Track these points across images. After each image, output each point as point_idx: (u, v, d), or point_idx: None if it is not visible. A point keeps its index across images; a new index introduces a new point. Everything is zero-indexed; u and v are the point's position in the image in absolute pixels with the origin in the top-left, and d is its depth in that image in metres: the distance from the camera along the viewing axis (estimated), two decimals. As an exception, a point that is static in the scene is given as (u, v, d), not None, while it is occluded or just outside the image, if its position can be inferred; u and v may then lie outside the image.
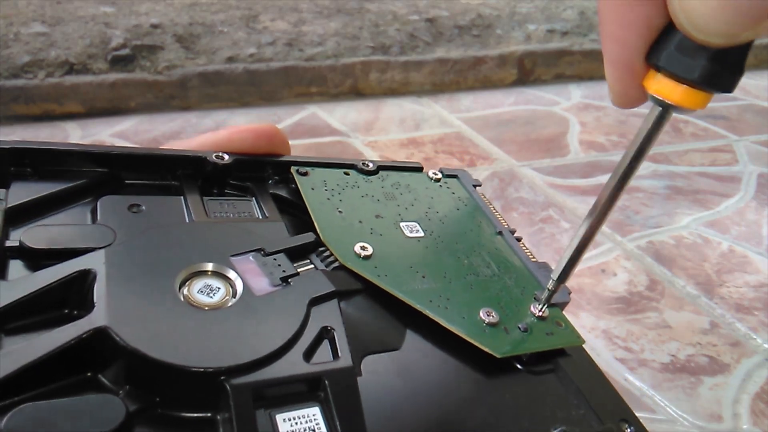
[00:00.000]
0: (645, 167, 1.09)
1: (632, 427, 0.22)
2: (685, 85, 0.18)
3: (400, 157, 1.07)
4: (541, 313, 0.24)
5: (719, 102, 1.48)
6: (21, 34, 1.16)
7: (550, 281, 0.24)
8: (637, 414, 0.22)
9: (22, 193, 0.22)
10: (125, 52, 1.17)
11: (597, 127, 1.27)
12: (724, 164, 1.13)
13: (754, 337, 0.68)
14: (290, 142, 0.30)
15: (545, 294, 0.24)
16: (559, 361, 0.24)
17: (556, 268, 0.23)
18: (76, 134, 1.04)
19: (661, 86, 0.18)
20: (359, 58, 1.32)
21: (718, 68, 0.17)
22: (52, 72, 1.10)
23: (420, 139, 1.14)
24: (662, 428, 0.55)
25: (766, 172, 1.11)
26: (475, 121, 1.24)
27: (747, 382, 0.62)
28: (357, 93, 1.33)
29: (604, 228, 0.89)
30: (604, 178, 1.03)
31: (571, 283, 0.26)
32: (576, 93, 1.46)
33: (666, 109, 0.19)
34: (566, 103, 1.39)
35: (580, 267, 0.26)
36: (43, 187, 0.23)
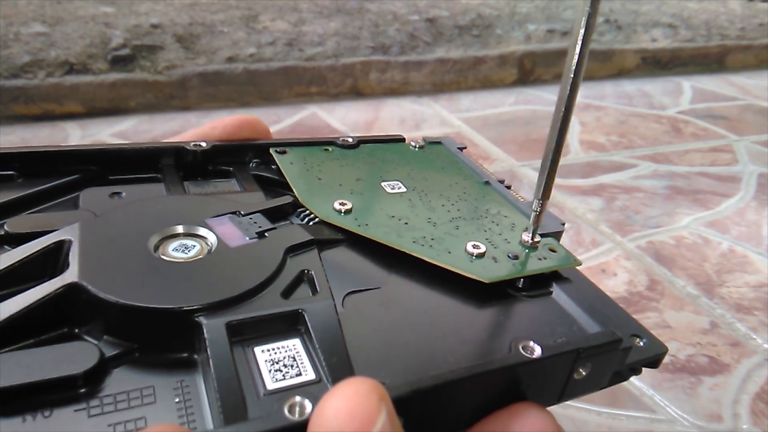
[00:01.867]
0: (645, 167, 1.09)
1: (645, 340, 0.21)
2: None
3: (400, 157, 1.06)
4: (531, 239, 0.23)
5: (719, 102, 1.48)
6: (21, 34, 1.16)
7: (534, 201, 0.23)
8: (636, 414, 0.22)
9: (7, 193, 0.23)
10: (125, 52, 1.17)
11: (597, 127, 1.27)
12: (724, 164, 1.13)
13: (754, 337, 0.68)
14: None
15: (533, 217, 0.23)
16: (556, 285, 0.23)
17: (536, 188, 0.23)
18: (76, 134, 1.04)
19: None
20: (359, 58, 1.32)
21: None
22: (52, 72, 1.10)
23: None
24: (662, 428, 0.55)
25: (766, 172, 1.11)
26: (475, 121, 1.24)
27: (747, 382, 0.62)
28: (357, 93, 1.33)
29: (604, 228, 0.89)
30: (604, 178, 1.03)
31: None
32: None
33: None
34: (566, 103, 1.39)
35: (580, 267, 0.26)
36: (28, 187, 0.24)
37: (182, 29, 1.28)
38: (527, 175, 1.01)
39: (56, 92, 1.08)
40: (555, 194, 0.96)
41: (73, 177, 0.25)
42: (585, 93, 1.46)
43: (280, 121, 1.16)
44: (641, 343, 0.21)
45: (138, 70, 1.16)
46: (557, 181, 0.99)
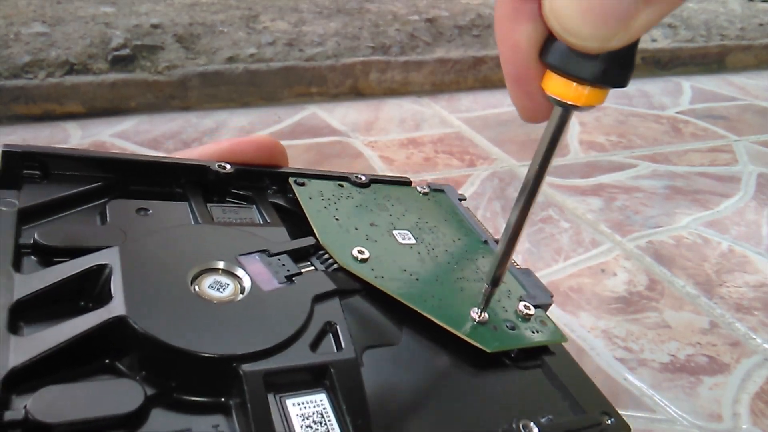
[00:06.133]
0: (645, 167, 1.09)
1: (613, 419, 0.23)
2: (578, 84, 0.18)
3: (401, 156, 1.07)
4: (478, 317, 0.25)
5: (719, 102, 1.48)
6: (21, 34, 1.16)
7: (485, 287, 0.25)
8: (636, 414, 0.23)
9: (33, 195, 0.23)
10: (125, 52, 1.17)
11: (597, 127, 1.27)
12: (724, 164, 1.13)
13: (754, 337, 0.68)
14: (290, 142, 0.31)
15: (482, 298, 0.25)
16: (545, 358, 0.25)
17: (487, 274, 0.25)
18: (76, 134, 1.05)
19: (557, 86, 0.18)
20: (359, 58, 1.32)
21: (608, 66, 0.17)
22: (53, 72, 1.10)
23: (420, 139, 1.14)
24: (662, 428, 0.55)
25: (765, 172, 1.11)
26: (475, 121, 1.24)
27: (747, 382, 0.62)
28: (357, 93, 1.33)
29: (604, 228, 0.89)
30: (604, 178, 1.03)
31: (570, 283, 0.26)
32: (576, 93, 1.46)
33: (565, 108, 0.19)
34: (566, 103, 1.39)
35: (579, 267, 0.26)
36: (52, 190, 0.24)
37: (182, 29, 1.28)
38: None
39: (56, 92, 1.08)
40: (555, 194, 0.96)
41: (95, 185, 0.25)
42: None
43: (280, 121, 1.16)
44: (609, 422, 0.23)
45: (138, 70, 1.16)
46: (557, 181, 0.99)
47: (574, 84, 0.18)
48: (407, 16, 1.52)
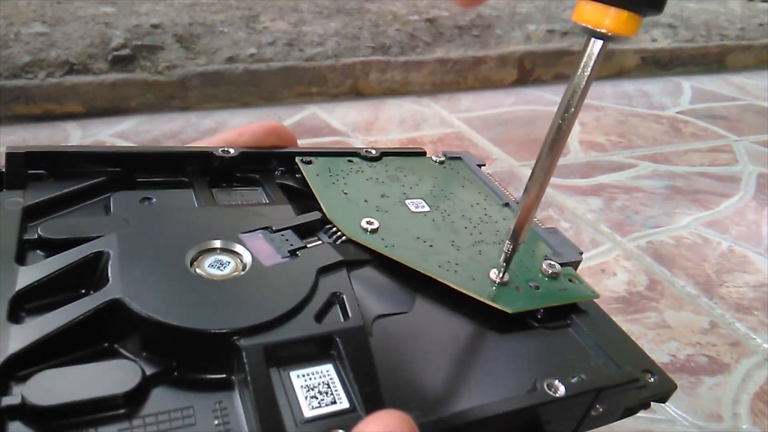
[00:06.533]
0: (645, 167, 1.09)
1: (656, 376, 0.21)
2: (615, 10, 0.17)
3: (400, 157, 1.06)
4: (501, 279, 0.23)
5: (719, 102, 1.48)
6: (21, 34, 1.16)
7: (506, 243, 0.23)
8: (636, 414, 0.22)
9: (38, 193, 0.23)
10: (125, 52, 1.17)
11: (597, 127, 1.27)
12: (724, 164, 1.13)
13: (754, 337, 0.68)
14: (291, 142, 0.30)
15: (502, 257, 0.23)
16: (574, 317, 0.23)
17: (509, 230, 0.23)
18: (76, 134, 1.05)
19: (592, 14, 0.17)
20: (359, 58, 1.32)
21: None
22: (53, 72, 1.10)
23: (420, 139, 1.14)
24: (662, 428, 0.55)
25: (765, 172, 1.11)
26: (475, 121, 1.24)
27: (747, 382, 0.62)
28: (357, 93, 1.33)
29: (604, 228, 0.89)
30: (603, 178, 1.03)
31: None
32: (576, 93, 1.46)
33: (601, 39, 0.18)
34: (566, 103, 1.39)
35: (579, 267, 0.26)
36: (57, 187, 0.24)
37: (182, 29, 1.28)
38: (527, 175, 1.01)
39: (57, 92, 1.08)
40: (555, 194, 0.96)
41: (100, 179, 0.25)
42: (585, 93, 1.46)
43: (280, 121, 1.16)
44: (652, 380, 0.21)
45: (138, 70, 1.16)
46: (557, 181, 0.99)
47: (612, 10, 0.17)
48: (407, 16, 1.52)
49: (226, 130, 0.29)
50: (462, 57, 1.41)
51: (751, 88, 1.58)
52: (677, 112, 1.40)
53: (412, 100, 1.34)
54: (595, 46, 0.18)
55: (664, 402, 0.22)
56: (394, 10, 1.56)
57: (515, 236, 0.22)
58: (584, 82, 0.19)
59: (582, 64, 0.19)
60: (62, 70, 1.11)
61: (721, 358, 0.65)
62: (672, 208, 0.95)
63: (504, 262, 0.23)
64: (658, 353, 0.65)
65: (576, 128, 1.25)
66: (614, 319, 0.24)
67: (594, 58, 0.19)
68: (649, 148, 1.18)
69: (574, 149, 1.14)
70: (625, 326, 0.77)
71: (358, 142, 1.10)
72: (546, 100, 1.39)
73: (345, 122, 1.18)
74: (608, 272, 0.77)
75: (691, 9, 1.93)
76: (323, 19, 1.45)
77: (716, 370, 0.63)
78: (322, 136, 1.11)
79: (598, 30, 0.17)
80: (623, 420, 0.21)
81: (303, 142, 0.29)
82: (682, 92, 1.55)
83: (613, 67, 1.59)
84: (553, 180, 1.06)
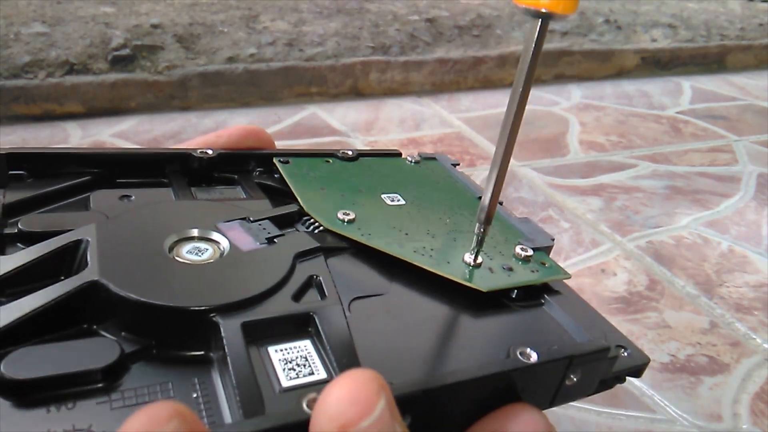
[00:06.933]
0: (645, 167, 1.09)
1: (629, 350, 0.22)
2: None
3: (400, 157, 1.06)
4: (474, 261, 0.24)
5: (719, 102, 1.48)
6: (21, 34, 1.16)
7: (476, 226, 0.24)
8: (636, 414, 0.22)
9: (18, 193, 0.24)
10: (125, 52, 1.17)
11: (597, 127, 1.27)
12: (724, 164, 1.13)
13: (754, 337, 0.68)
14: (290, 142, 0.30)
15: (474, 239, 0.24)
16: (547, 296, 0.24)
17: (478, 214, 0.24)
18: (76, 134, 1.04)
19: None
20: (359, 58, 1.32)
21: None
22: (53, 72, 1.10)
23: (420, 139, 1.14)
24: (662, 428, 0.55)
25: (766, 172, 1.11)
26: (475, 121, 1.24)
27: (747, 382, 0.62)
28: (357, 93, 1.33)
29: (604, 228, 0.89)
30: (603, 178, 1.03)
31: (570, 282, 0.26)
32: (576, 93, 1.46)
33: (542, 18, 0.19)
34: (566, 103, 1.39)
35: (579, 267, 0.26)
36: (38, 187, 0.24)
37: (182, 29, 1.28)
38: (527, 175, 1.01)
39: (56, 92, 1.08)
40: (555, 194, 0.96)
41: (82, 179, 0.25)
42: (585, 93, 1.46)
43: (280, 121, 1.16)
44: (625, 354, 0.22)
45: (138, 70, 1.16)
46: (557, 181, 0.99)
47: None
48: (407, 16, 1.52)
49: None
50: (462, 57, 1.41)
51: (751, 88, 1.58)
52: (677, 112, 1.40)
53: (412, 100, 1.34)
54: (537, 26, 0.19)
55: (638, 376, 0.22)
56: (394, 10, 1.56)
57: (486, 219, 0.23)
58: (530, 62, 0.20)
59: (526, 46, 0.20)
60: (62, 70, 1.11)
61: (721, 358, 0.65)
62: (672, 208, 0.95)
63: (475, 245, 0.24)
64: (658, 353, 0.65)
65: (576, 128, 1.25)
66: (614, 319, 0.25)
67: (536, 37, 0.20)
68: (649, 148, 1.18)
69: (574, 149, 1.14)
70: (625, 326, 0.77)
71: (358, 142, 1.10)
72: (546, 100, 1.39)
73: (345, 122, 1.18)
74: (608, 272, 0.77)
75: (691, 9, 1.93)
76: (323, 19, 1.45)
77: (716, 370, 0.63)
78: (322, 136, 1.11)
79: (538, 10, 0.18)
80: (623, 420, 0.22)
81: (303, 143, 0.29)
82: (682, 92, 1.55)
83: (613, 67, 1.59)
84: (552, 180, 1.06)
